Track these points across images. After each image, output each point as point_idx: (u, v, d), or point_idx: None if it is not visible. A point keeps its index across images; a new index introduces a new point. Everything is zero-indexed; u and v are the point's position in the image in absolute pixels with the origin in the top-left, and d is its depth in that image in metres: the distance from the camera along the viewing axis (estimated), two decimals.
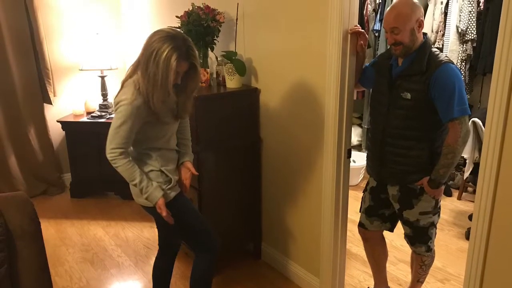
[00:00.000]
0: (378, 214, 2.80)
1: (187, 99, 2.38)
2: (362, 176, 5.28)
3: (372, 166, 2.74)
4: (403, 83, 2.44)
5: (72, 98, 4.94)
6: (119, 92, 2.25)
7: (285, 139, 3.13)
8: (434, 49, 2.44)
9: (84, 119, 4.66)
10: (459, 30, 4.64)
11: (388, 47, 2.55)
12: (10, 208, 2.16)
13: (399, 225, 2.79)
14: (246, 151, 3.31)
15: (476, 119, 3.79)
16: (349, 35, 2.56)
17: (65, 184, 5.10)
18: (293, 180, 3.15)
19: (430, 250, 2.72)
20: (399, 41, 2.37)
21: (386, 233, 2.92)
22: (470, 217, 4.12)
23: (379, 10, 5.18)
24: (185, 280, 3.36)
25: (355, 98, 3.40)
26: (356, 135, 5.86)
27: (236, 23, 3.22)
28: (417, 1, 2.39)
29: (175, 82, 2.20)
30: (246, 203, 3.43)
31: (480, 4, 4.57)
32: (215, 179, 3.21)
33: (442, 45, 4.78)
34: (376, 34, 5.26)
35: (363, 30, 2.60)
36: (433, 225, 2.65)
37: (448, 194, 4.89)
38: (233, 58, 3.12)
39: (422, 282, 2.95)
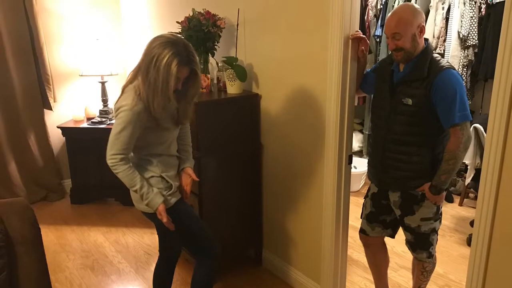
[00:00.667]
0: (379, 220, 2.79)
1: (187, 105, 2.37)
2: (363, 182, 5.26)
3: (373, 172, 2.73)
4: (404, 89, 2.43)
5: (72, 104, 4.94)
6: (119, 98, 2.25)
7: (286, 145, 3.12)
8: (435, 55, 2.44)
9: (85, 125, 4.66)
10: (461, 36, 4.64)
11: (389, 52, 2.55)
12: (10, 214, 2.16)
13: (400, 231, 2.79)
14: (247, 157, 3.30)
15: (477, 125, 3.79)
16: (350, 40, 2.56)
17: (65, 190, 5.10)
18: (294, 186, 3.14)
19: (431, 256, 2.70)
20: (400, 46, 2.37)
21: (387, 239, 2.91)
22: (472, 223, 4.11)
23: (380, 15, 5.19)
24: (186, 286, 3.34)
25: (356, 104, 3.40)
26: (357, 141, 5.86)
27: (237, 29, 3.22)
28: (418, 6, 2.40)
29: (175, 88, 2.20)
30: (247, 209, 3.42)
31: (482, 9, 4.57)
32: (216, 185, 3.20)
33: (444, 50, 4.78)
34: (377, 40, 5.27)
35: (364, 36, 2.60)
36: (435, 231, 2.64)
37: (450, 200, 4.88)
38: (234, 63, 3.11)
39: None
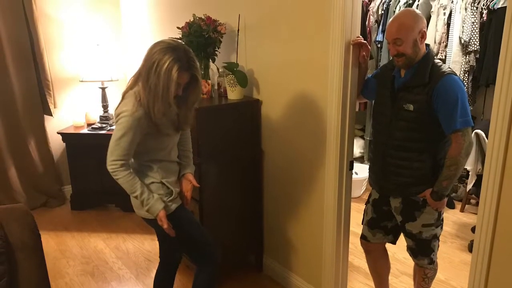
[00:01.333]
0: (380, 227, 2.78)
1: (188, 111, 2.37)
2: (365, 188, 5.26)
3: (374, 178, 2.72)
4: (405, 95, 2.43)
5: (73, 109, 4.94)
6: (120, 104, 2.25)
7: (287, 151, 3.12)
8: (437, 60, 2.43)
9: (85, 130, 4.66)
10: (462, 41, 4.64)
11: (391, 58, 2.55)
12: (11, 221, 2.15)
13: (401, 237, 2.77)
14: (248, 162, 3.30)
15: (479, 131, 3.78)
16: (351, 46, 2.56)
17: (65, 196, 5.08)
18: (295, 192, 3.13)
19: (432, 262, 2.69)
20: (401, 52, 2.36)
21: (388, 246, 2.90)
22: (473, 230, 4.10)
23: (382, 21, 5.19)
24: None
25: (357, 109, 3.39)
26: (358, 146, 5.85)
27: (238, 34, 3.22)
28: (419, 12, 2.39)
29: (176, 93, 2.19)
30: (247, 215, 3.41)
31: (483, 15, 4.57)
32: (216, 191, 3.19)
33: (445, 56, 4.76)
34: (379, 45, 5.27)
35: (365, 41, 2.60)
36: (436, 237, 2.63)
37: (451, 206, 4.87)
38: (235, 69, 3.11)
39: None
